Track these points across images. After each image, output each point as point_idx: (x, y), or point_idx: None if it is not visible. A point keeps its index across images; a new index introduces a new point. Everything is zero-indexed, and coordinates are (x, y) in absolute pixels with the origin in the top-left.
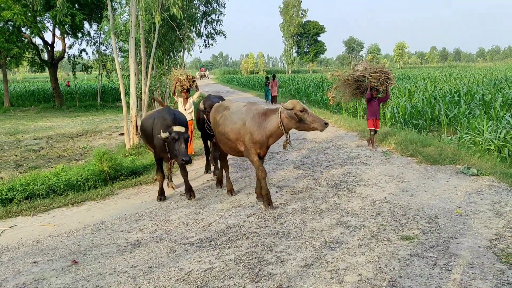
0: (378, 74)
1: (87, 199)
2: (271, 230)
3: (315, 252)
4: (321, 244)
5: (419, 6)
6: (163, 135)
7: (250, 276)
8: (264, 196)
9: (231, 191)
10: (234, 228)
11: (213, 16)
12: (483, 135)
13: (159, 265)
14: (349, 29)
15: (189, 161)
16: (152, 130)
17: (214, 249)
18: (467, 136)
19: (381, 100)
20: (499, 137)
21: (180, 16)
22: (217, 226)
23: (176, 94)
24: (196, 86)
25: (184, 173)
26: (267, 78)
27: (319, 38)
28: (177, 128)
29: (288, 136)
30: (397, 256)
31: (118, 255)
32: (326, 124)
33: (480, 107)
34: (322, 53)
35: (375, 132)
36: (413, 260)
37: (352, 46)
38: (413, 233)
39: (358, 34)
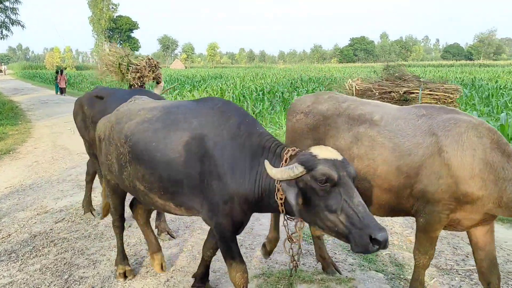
0: (442, 92)
1: None
2: (83, 234)
3: (130, 250)
4: (136, 241)
5: (229, 8)
6: (290, 172)
7: (59, 284)
8: None
9: None
10: (40, 236)
11: (7, 4)
12: (282, 128)
13: None
14: (163, 27)
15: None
16: (211, 169)
17: (16, 261)
18: (270, 130)
19: None
20: None
21: None
22: (19, 236)
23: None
24: (159, 77)
25: None
26: (56, 72)
27: (132, 35)
28: (326, 153)
29: None
30: None
31: None
32: None
33: (281, 103)
34: (137, 50)
35: None
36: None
37: (167, 44)
38: None
39: (172, 33)
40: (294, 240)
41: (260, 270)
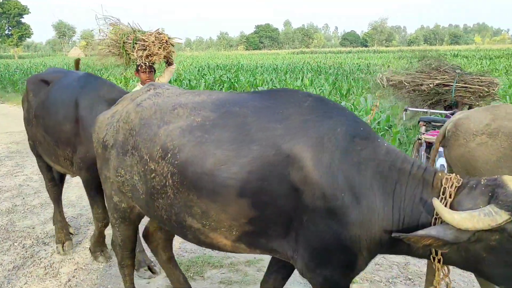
0: (478, 85)
1: None
2: None
3: (26, 252)
4: (33, 242)
5: None
6: (489, 220)
7: None
8: None
9: None
10: None
11: None
12: None
13: None
14: (59, 13)
15: None
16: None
17: None
18: None
19: None
20: None
21: None
22: None
23: (138, 73)
24: (171, 56)
25: None
26: None
27: (23, 20)
28: None
29: None
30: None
31: None
32: None
33: None
34: (28, 37)
35: None
36: None
37: (63, 30)
38: None
39: (69, 19)
40: None
41: None
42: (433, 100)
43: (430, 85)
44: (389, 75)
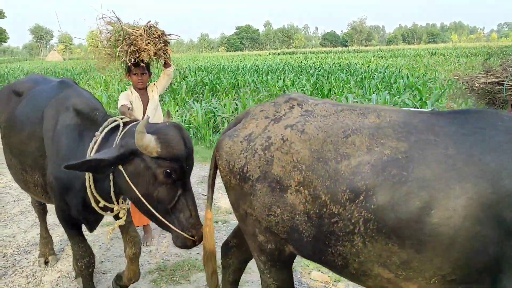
0: None
1: None
2: None
3: (7, 261)
4: (14, 251)
5: None
6: None
7: None
8: None
9: None
10: None
11: None
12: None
13: None
14: (36, 16)
15: None
16: None
17: None
18: None
19: None
20: (185, 119)
21: None
22: None
23: (129, 75)
24: (165, 53)
25: None
26: None
27: None
28: None
29: None
30: (98, 243)
31: None
32: None
33: (169, 94)
34: (5, 41)
35: None
36: (113, 244)
37: (40, 34)
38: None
39: (47, 22)
40: None
41: (155, 265)
42: (486, 99)
43: (480, 84)
44: (459, 74)
